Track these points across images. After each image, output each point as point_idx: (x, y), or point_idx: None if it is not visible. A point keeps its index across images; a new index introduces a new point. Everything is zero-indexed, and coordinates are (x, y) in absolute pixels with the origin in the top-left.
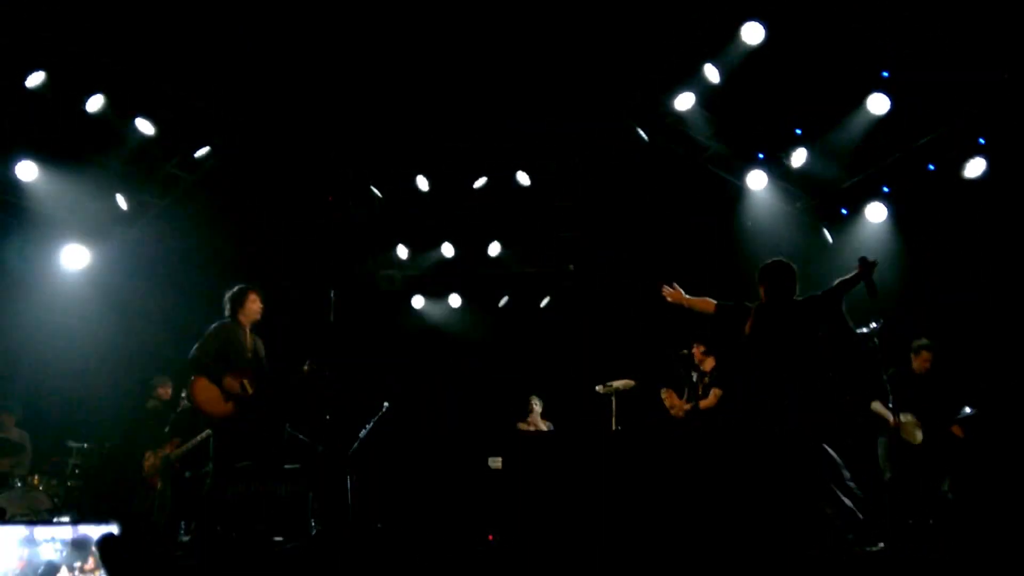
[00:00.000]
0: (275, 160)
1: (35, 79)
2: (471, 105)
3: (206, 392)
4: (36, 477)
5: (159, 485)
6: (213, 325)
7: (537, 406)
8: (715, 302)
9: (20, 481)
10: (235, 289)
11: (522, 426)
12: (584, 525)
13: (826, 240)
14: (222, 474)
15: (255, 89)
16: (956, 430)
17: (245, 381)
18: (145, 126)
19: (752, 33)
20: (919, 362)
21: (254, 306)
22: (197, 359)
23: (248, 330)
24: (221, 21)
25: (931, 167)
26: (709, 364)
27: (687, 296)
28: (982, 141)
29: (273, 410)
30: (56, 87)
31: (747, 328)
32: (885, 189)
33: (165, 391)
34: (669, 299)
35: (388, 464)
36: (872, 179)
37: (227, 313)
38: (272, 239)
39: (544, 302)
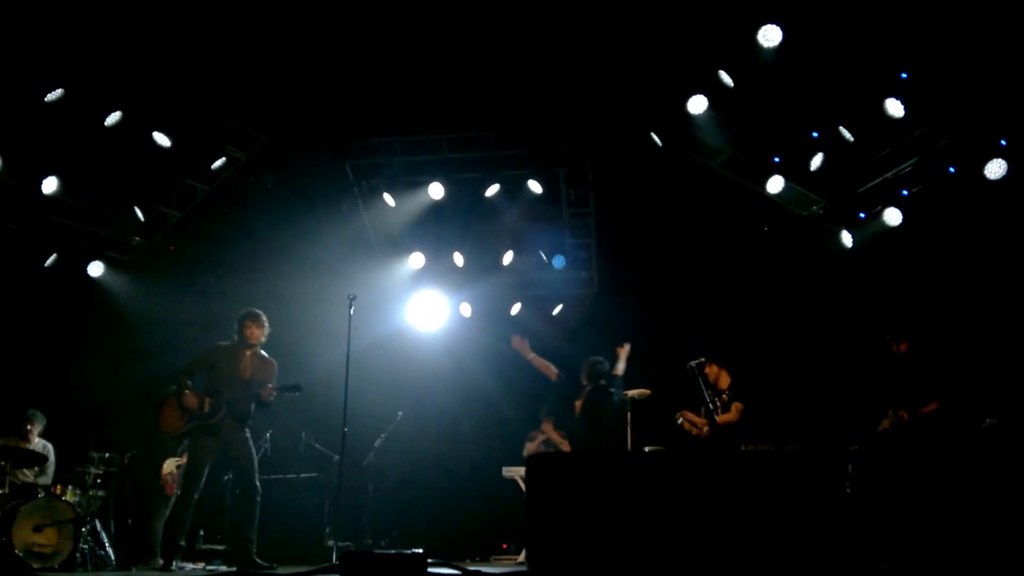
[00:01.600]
0: (290, 169)
1: (54, 95)
2: (483, 112)
3: (167, 409)
4: (59, 487)
5: (176, 493)
6: (206, 347)
7: (548, 418)
8: (557, 371)
9: (43, 491)
10: (239, 314)
11: (531, 445)
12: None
13: (844, 244)
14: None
15: (269, 99)
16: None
17: (207, 399)
18: (162, 139)
19: (768, 35)
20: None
21: (248, 331)
22: (175, 377)
23: (250, 352)
24: (235, 31)
25: (951, 169)
26: (724, 381)
27: (532, 353)
28: (1003, 143)
29: (225, 428)
30: (74, 102)
31: (577, 406)
32: (904, 192)
33: (192, 399)
34: (514, 346)
35: (403, 473)
36: (890, 182)
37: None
38: (290, 249)
39: (557, 309)
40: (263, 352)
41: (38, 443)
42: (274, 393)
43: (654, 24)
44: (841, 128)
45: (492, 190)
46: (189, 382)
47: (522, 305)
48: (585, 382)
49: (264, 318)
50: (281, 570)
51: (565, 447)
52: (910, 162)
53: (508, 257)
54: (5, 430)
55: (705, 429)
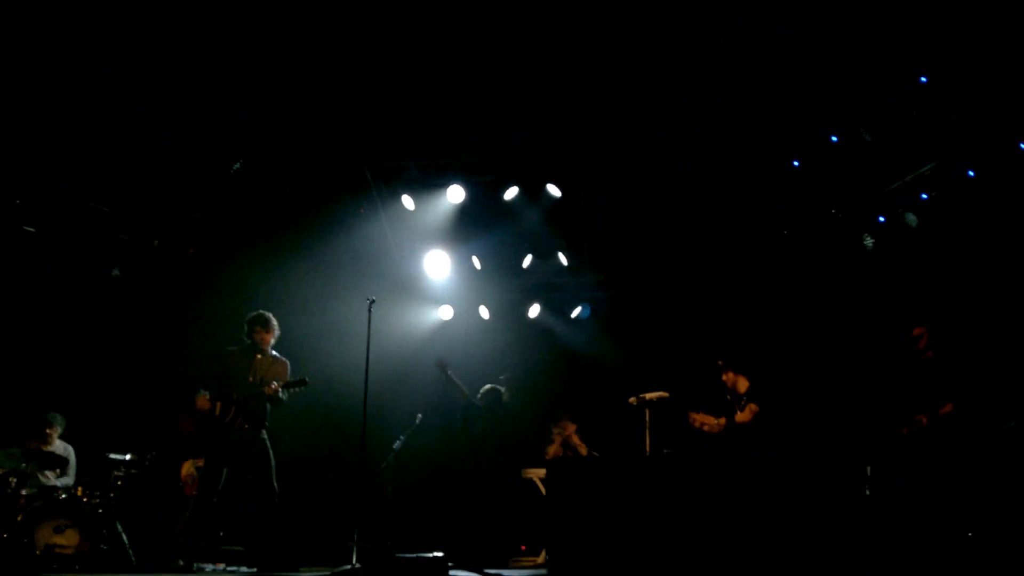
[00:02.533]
0: (308, 172)
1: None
2: (502, 114)
3: (182, 414)
4: (80, 488)
5: (193, 494)
6: (217, 352)
7: (567, 422)
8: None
9: (65, 493)
10: (249, 316)
11: (551, 448)
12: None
13: (865, 247)
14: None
15: (286, 102)
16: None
17: (219, 403)
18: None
19: (783, 38)
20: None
21: (257, 335)
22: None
23: (260, 355)
24: (252, 35)
25: (971, 173)
26: (743, 385)
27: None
28: (971, 174)
29: (239, 431)
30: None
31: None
32: (923, 196)
33: (203, 401)
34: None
35: (421, 475)
36: (910, 186)
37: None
38: (309, 252)
39: (576, 312)
40: (274, 353)
41: (59, 445)
42: (280, 389)
43: (672, 28)
44: (861, 131)
45: (511, 193)
46: (202, 391)
47: (540, 307)
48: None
49: (273, 321)
50: (302, 571)
51: (583, 449)
52: (929, 165)
53: (527, 260)
54: (26, 433)
55: (717, 427)
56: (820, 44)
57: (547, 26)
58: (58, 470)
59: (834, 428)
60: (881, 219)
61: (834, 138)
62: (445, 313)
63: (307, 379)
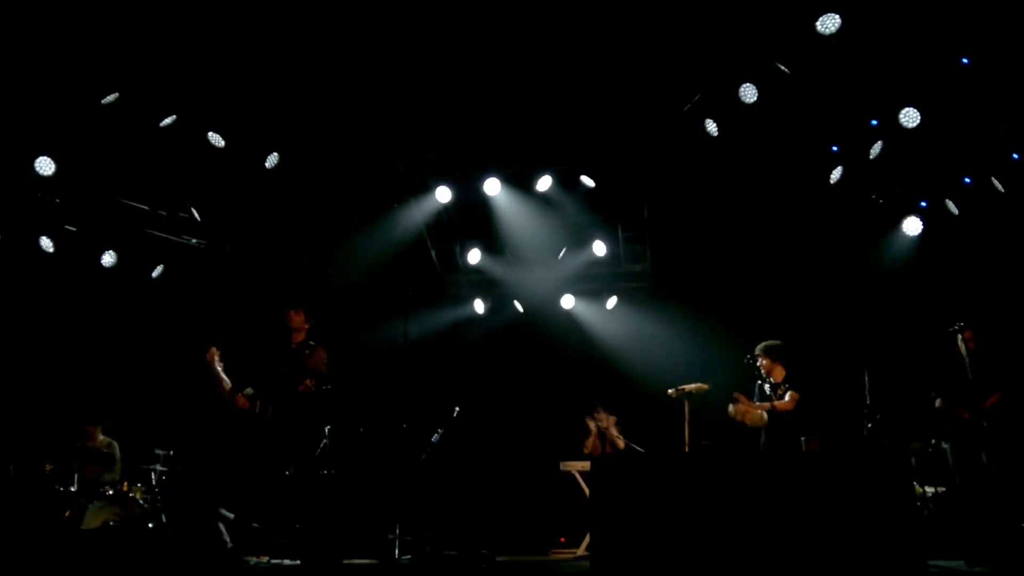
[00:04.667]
0: (344, 166)
1: (109, 97)
2: (532, 104)
3: (223, 410)
4: (126, 484)
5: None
6: (253, 347)
7: (602, 413)
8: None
9: (111, 489)
10: (285, 310)
11: (588, 442)
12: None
13: (907, 234)
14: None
15: (319, 96)
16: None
17: (258, 402)
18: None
19: (827, 23)
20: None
21: (291, 329)
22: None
23: (295, 346)
24: (286, 33)
25: (1015, 156)
26: (779, 374)
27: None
28: (1015, 156)
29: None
30: (128, 105)
31: None
32: (922, 204)
33: (243, 401)
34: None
35: (461, 469)
36: (952, 170)
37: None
38: (345, 245)
39: (611, 303)
40: (311, 343)
41: (103, 440)
42: (311, 387)
43: (708, 10)
44: (900, 115)
45: (545, 184)
46: (243, 388)
47: (575, 299)
48: None
49: (303, 312)
50: (345, 563)
51: (620, 443)
52: (970, 150)
53: (562, 251)
54: (70, 430)
55: (764, 415)
56: (861, 26)
57: (574, 13)
58: (101, 467)
59: (876, 423)
60: (923, 204)
61: (874, 122)
62: (479, 307)
63: (328, 387)
